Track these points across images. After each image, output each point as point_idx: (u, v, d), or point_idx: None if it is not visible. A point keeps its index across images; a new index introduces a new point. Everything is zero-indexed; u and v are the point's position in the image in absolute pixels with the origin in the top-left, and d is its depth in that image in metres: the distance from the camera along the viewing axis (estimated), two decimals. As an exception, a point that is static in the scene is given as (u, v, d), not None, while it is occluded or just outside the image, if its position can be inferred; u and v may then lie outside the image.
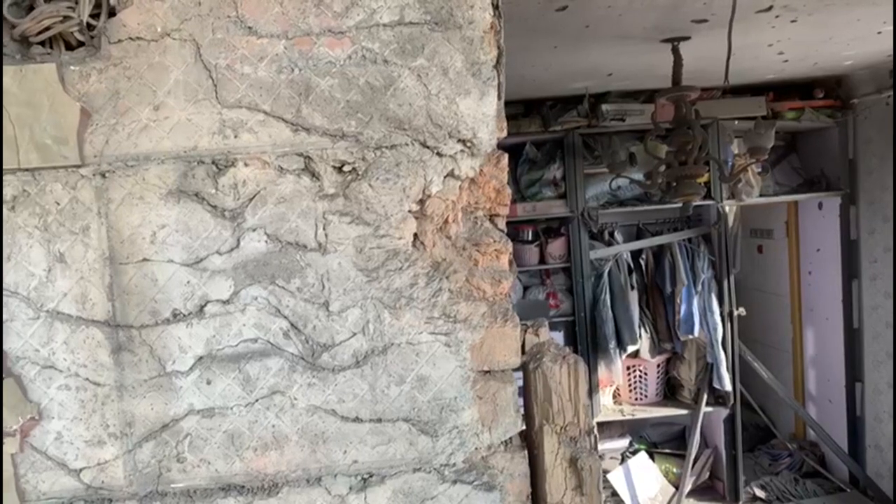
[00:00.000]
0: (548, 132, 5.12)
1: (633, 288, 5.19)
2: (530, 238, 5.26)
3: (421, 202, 0.92)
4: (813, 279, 5.50)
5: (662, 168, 3.71)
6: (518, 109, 5.18)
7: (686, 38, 3.55)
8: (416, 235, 0.94)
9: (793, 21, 3.37)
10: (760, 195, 5.17)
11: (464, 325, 0.93)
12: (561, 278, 5.29)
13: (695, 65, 3.59)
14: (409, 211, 0.91)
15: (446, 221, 0.97)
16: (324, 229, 0.88)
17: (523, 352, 1.08)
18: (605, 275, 5.20)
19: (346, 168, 0.87)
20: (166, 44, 0.85)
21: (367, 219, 0.89)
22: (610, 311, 5.14)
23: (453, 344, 0.92)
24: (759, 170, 4.45)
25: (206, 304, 0.89)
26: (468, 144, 0.89)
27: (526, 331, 1.07)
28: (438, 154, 0.89)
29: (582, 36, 3.34)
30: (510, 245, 1.03)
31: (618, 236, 5.38)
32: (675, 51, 3.59)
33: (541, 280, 5.29)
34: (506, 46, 3.13)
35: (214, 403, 0.90)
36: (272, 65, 0.85)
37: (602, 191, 5.21)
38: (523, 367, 1.09)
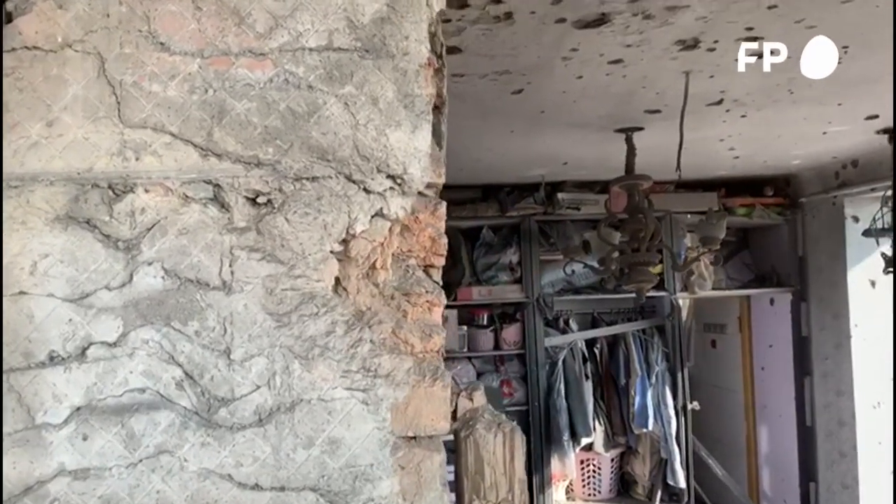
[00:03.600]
0: (505, 217, 5.14)
1: (587, 378, 5.11)
2: (485, 323, 5.19)
3: (345, 242, 0.83)
4: (766, 375, 5.48)
5: (616, 255, 3.70)
6: (476, 194, 5.20)
7: (639, 129, 3.61)
8: (338, 280, 0.85)
9: (743, 116, 3.46)
10: (713, 288, 5.20)
11: (385, 381, 0.83)
12: (515, 365, 5.19)
13: (648, 157, 3.64)
14: (331, 251, 0.82)
15: (374, 267, 0.89)
16: (230, 266, 0.78)
17: (455, 418, 0.98)
18: (560, 363, 5.12)
19: (260, 200, 0.79)
20: (67, 56, 0.78)
21: (282, 257, 0.80)
22: (564, 401, 5.03)
23: (372, 402, 0.81)
24: (712, 259, 4.47)
25: (88, 347, 0.78)
26: (398, 181, 0.82)
27: (459, 394, 0.97)
28: (366, 190, 0.82)
29: (538, 121, 3.37)
30: (443, 297, 0.94)
31: (573, 324, 5.34)
32: (629, 140, 3.65)
33: (495, 367, 5.18)
34: (463, 128, 3.13)
35: (90, 463, 0.77)
36: (184, 84, 0.78)
37: (557, 277, 5.19)
38: (454, 435, 0.98)
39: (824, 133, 3.86)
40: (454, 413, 0.98)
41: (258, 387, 0.79)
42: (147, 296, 0.78)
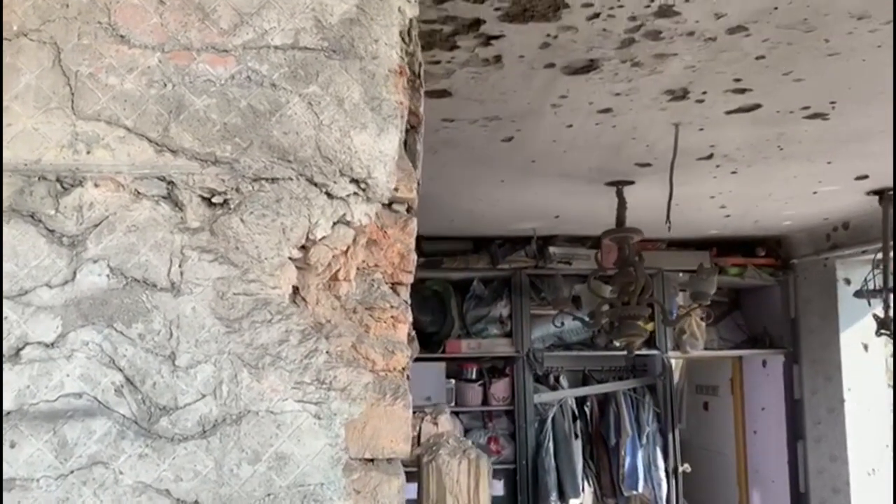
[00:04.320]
0: (496, 270, 5.11)
1: (577, 437, 4.99)
2: (474, 377, 5.10)
3: (304, 249, 0.79)
4: (758, 439, 5.37)
5: (606, 308, 3.66)
6: (467, 245, 5.19)
7: (630, 183, 3.62)
8: (297, 289, 0.81)
9: (733, 172, 3.47)
10: (705, 348, 5.14)
11: (340, 395, 0.78)
12: (504, 422, 5.08)
13: (640, 213, 3.63)
14: (290, 258, 0.78)
15: (336, 278, 0.85)
16: (179, 266, 0.74)
17: (419, 442, 0.92)
18: (549, 421, 5.01)
19: (216, 199, 0.76)
20: (21, 44, 0.75)
21: (236, 259, 0.76)
22: (553, 460, 4.90)
23: (325, 416, 0.76)
24: (703, 315, 4.43)
25: (23, 347, 0.73)
26: (362, 185, 0.79)
27: (423, 418, 0.92)
28: (328, 194, 0.78)
29: (528, 170, 3.37)
30: (410, 314, 0.90)
31: (563, 381, 5.25)
32: (620, 193, 3.65)
33: (483, 423, 5.07)
34: (454, 176, 3.12)
35: (16, 473, 0.72)
36: (142, 77, 0.76)
37: (548, 332, 5.14)
38: (417, 461, 0.93)
39: (815, 192, 3.87)
40: (418, 437, 0.92)
41: (203, 396, 0.74)
42: (90, 295, 0.74)
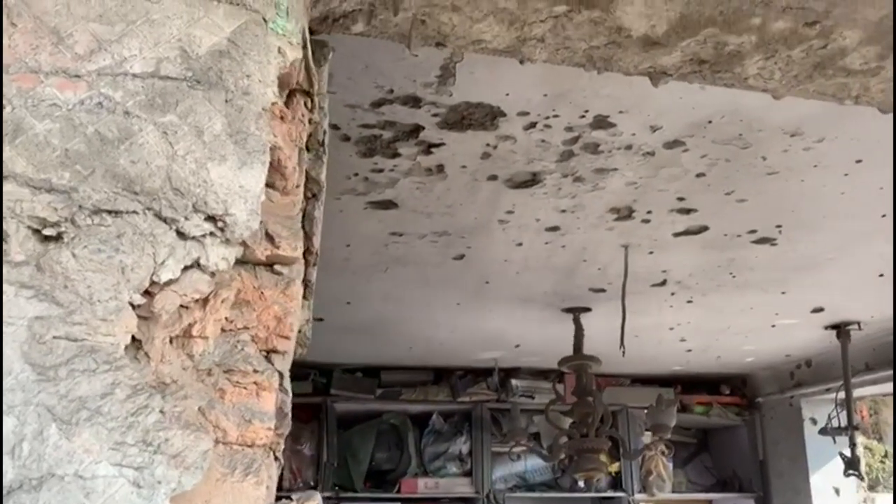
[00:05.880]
0: (456, 402, 4.93)
1: (538, 587, 4.64)
2: (429, 519, 4.78)
3: (150, 295, 0.70)
4: (733, 593, 5.03)
5: (564, 440, 3.50)
6: (427, 377, 5.03)
7: (587, 310, 3.57)
8: (139, 341, 0.71)
9: (689, 301, 3.44)
10: (673, 491, 4.92)
11: (170, 462, 0.66)
12: (460, 570, 4.72)
13: (599, 344, 3.52)
14: (131, 303, 0.69)
15: (189, 333, 0.75)
16: (-10, 301, 0.65)
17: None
18: (510, 569, 4.66)
19: (47, 231, 0.68)
20: None
21: (62, 299, 0.67)
22: None
23: (146, 485, 0.64)
24: (665, 451, 4.25)
25: None
26: (219, 224, 0.71)
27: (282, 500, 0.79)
28: (179, 232, 0.71)
29: (483, 292, 3.32)
30: (277, 381, 0.80)
31: (525, 525, 4.94)
32: (577, 321, 3.59)
33: (438, 572, 4.70)
34: (408, 297, 3.04)
35: None
36: (-20, 99, 0.70)
37: (510, 472, 4.90)
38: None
39: (773, 326, 3.83)
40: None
41: (-2, 454, 0.62)
42: None
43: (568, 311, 3.59)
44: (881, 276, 2.98)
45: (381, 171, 2.15)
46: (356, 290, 3.26)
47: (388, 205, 2.39)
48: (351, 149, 2.03)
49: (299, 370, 4.87)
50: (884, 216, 2.41)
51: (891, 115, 1.39)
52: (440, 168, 2.13)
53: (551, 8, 1.11)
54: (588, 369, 3.51)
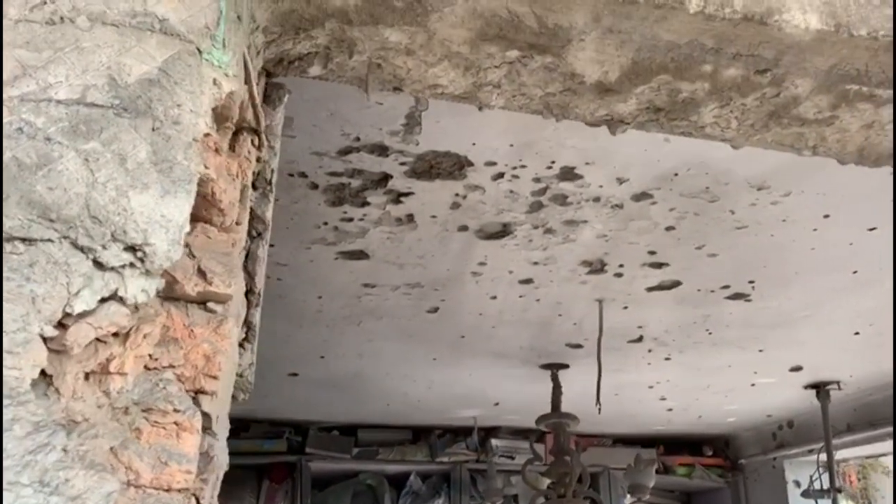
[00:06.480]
0: (435, 463, 4.82)
1: None
2: (403, 586, 4.62)
3: (64, 328, 0.67)
4: None
5: (541, 500, 3.41)
6: (406, 436, 4.93)
7: (565, 366, 3.52)
8: (49, 376, 0.68)
9: (667, 359, 3.41)
10: (657, 558, 4.78)
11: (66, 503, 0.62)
12: None
13: (578, 403, 3.44)
14: (42, 335, 0.66)
15: (107, 370, 0.72)
16: None
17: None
18: None
19: (-46, 259, 0.65)
20: None
21: (-35, 329, 0.64)
22: None
23: (36, 531, 0.60)
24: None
25: None
26: (139, 254, 0.69)
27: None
28: (96, 262, 0.68)
29: (459, 347, 3.27)
30: (199, 422, 0.76)
31: None
32: (555, 378, 3.54)
33: None
34: (382, 352, 2.99)
35: None
36: None
37: (489, 537, 4.74)
38: None
39: (753, 385, 3.80)
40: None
41: None
42: None
43: (546, 367, 3.55)
44: (857, 334, 2.96)
45: (350, 220, 2.14)
46: (330, 343, 3.21)
47: (360, 255, 2.37)
48: (319, 197, 2.02)
49: (274, 428, 4.76)
50: (855, 272, 2.41)
51: (852, 167, 1.39)
52: (410, 217, 2.12)
53: (504, 53, 1.11)
54: (566, 428, 3.44)
